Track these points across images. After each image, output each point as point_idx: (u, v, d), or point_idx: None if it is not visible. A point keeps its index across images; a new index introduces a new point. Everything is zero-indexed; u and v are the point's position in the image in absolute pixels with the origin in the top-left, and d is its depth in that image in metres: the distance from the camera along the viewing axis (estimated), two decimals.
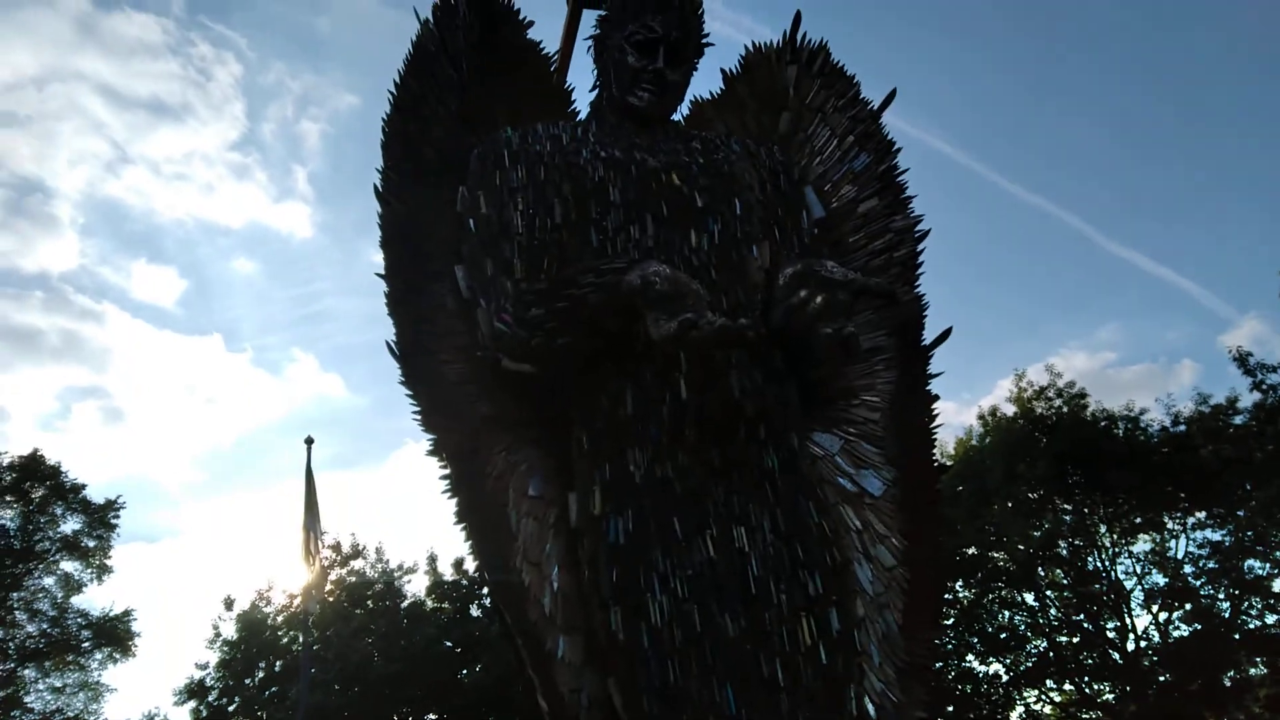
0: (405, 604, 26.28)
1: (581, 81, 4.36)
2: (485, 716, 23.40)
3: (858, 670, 2.81)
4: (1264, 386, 20.98)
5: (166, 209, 56.38)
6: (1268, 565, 21.80)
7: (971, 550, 23.39)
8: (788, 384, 3.11)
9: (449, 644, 24.92)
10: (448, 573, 26.42)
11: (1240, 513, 21.79)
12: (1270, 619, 21.77)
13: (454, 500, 3.02)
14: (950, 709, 22.84)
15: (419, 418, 3.10)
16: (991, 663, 24.03)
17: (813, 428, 3.28)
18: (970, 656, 24.13)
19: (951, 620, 23.41)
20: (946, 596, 23.71)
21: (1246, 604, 21.98)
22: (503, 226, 3.21)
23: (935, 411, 3.42)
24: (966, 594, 24.06)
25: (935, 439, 3.42)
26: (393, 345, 3.17)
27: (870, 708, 2.81)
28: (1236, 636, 21.56)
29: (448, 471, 3.04)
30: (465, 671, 24.74)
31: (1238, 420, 22.01)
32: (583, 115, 3.83)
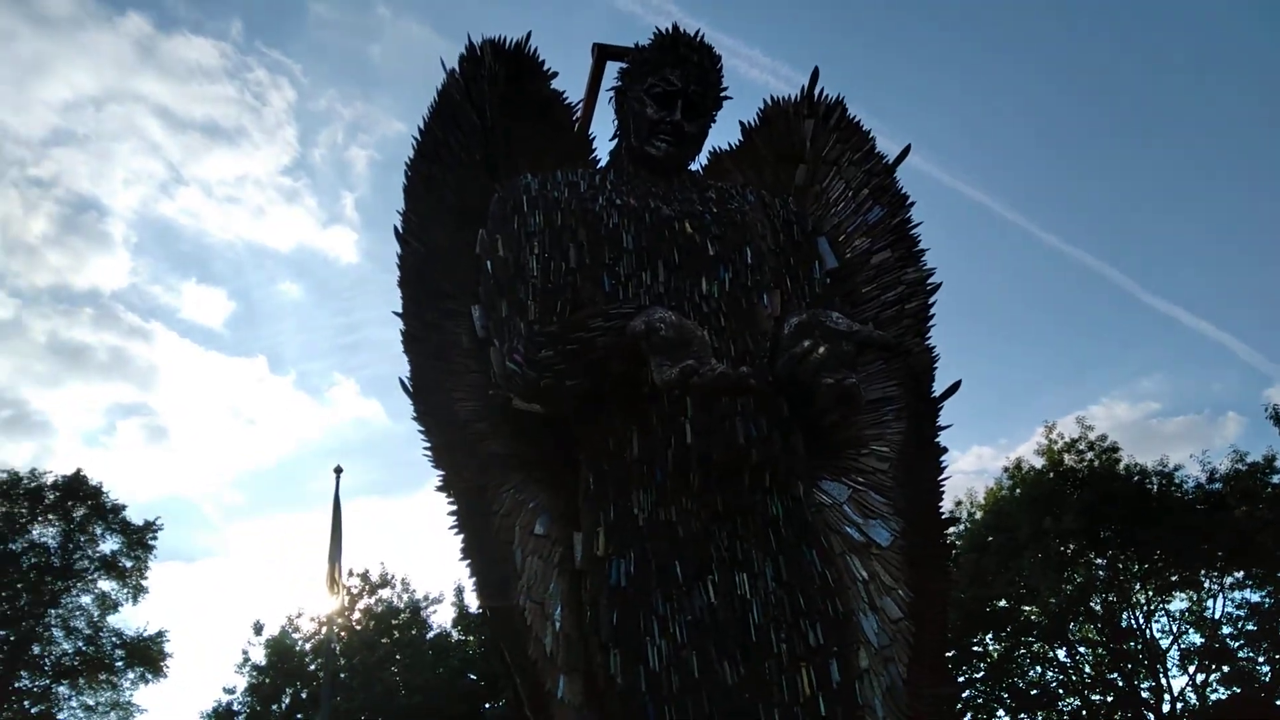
0: (431, 635, 26.26)
1: (603, 131, 4.46)
2: None
3: None
4: None
5: (218, 230, 57.75)
6: None
7: (1002, 602, 22.90)
8: (793, 432, 3.12)
9: (473, 677, 24.80)
10: (473, 605, 26.41)
11: (1279, 575, 21.16)
12: None
13: (461, 536, 3.07)
14: None
15: (429, 454, 3.17)
16: (1022, 719, 23.42)
17: (821, 475, 3.29)
18: (1000, 712, 23.55)
19: (981, 674, 22.90)
20: (975, 649, 23.20)
21: None
22: (519, 269, 3.28)
23: (944, 464, 3.42)
24: (997, 647, 23.53)
25: (943, 491, 3.41)
26: (406, 382, 3.26)
27: None
28: (1278, 702, 20.82)
29: (455, 507, 3.10)
30: (488, 705, 24.59)
31: (1276, 479, 21.46)
32: (603, 163, 3.93)
